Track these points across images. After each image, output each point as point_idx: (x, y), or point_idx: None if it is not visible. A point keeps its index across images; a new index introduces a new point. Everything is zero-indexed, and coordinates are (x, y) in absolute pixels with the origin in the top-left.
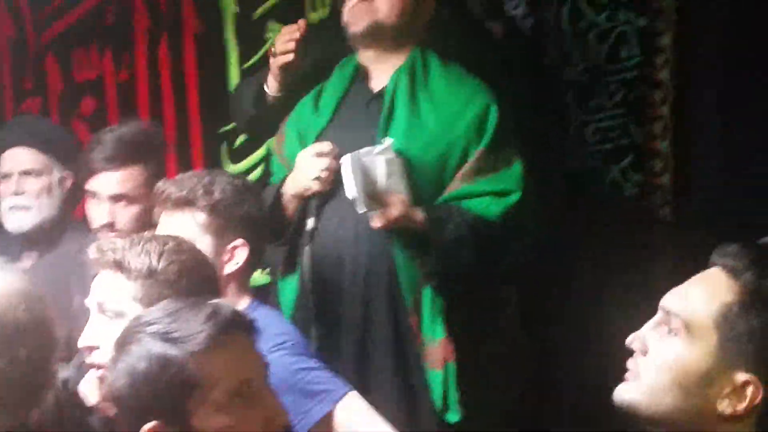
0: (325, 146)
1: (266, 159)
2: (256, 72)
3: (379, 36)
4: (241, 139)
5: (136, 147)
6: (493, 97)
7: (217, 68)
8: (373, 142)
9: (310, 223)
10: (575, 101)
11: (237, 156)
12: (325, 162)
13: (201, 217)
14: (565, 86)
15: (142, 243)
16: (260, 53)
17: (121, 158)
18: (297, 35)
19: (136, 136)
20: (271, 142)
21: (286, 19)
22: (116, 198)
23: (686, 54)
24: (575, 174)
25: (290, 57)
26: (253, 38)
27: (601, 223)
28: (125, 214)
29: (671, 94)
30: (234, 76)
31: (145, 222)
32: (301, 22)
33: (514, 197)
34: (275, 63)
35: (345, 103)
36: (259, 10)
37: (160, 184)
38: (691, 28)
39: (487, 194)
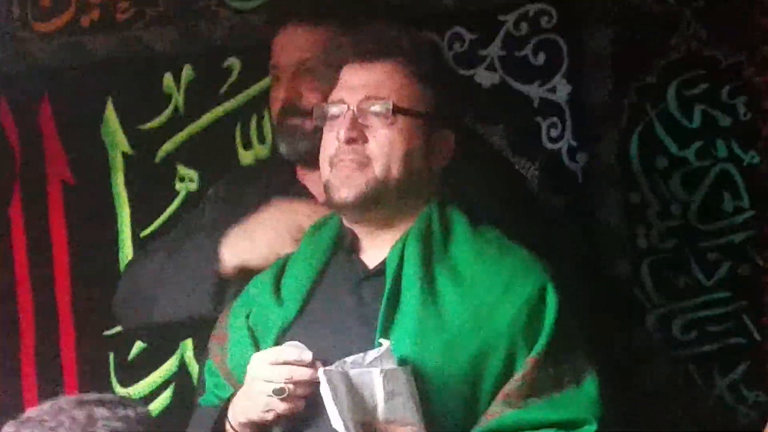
0: (290, 350)
1: (180, 375)
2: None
3: (380, 200)
4: (138, 346)
5: None
6: (550, 276)
7: (101, 235)
8: (366, 345)
9: None
10: (652, 280)
11: (131, 372)
12: (292, 372)
13: None
14: (638, 256)
15: None
16: (166, 213)
17: None
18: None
19: None
20: (187, 347)
21: (200, 162)
22: None
23: None
24: (658, 392)
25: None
26: (155, 191)
27: None
28: None
29: None
30: (126, 248)
31: None
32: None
33: (588, 431)
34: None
35: (322, 285)
36: (164, 150)
37: None
38: None
39: (546, 426)
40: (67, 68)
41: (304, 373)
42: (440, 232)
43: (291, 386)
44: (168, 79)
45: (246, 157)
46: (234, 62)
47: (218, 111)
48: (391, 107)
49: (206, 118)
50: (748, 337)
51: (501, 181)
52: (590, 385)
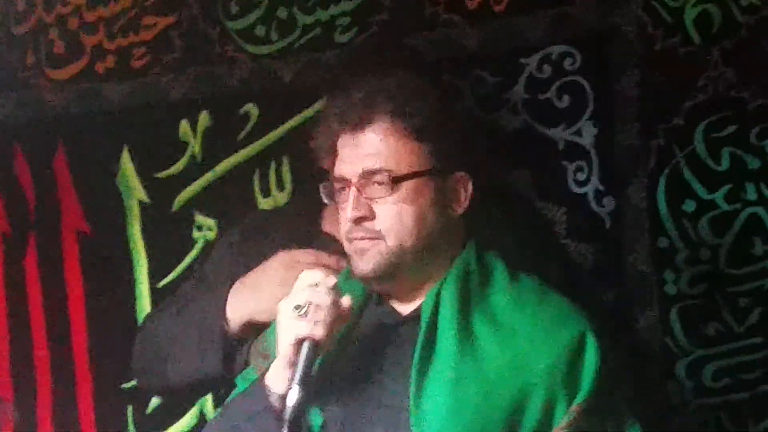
0: (314, 273)
1: (200, 428)
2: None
3: (399, 270)
4: (155, 401)
5: None
6: (590, 324)
7: (117, 286)
8: (402, 390)
9: (293, 396)
10: (682, 327)
11: (149, 425)
12: (313, 294)
13: None
14: (667, 303)
15: None
16: (184, 263)
17: None
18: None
19: None
20: (206, 400)
21: (218, 211)
22: None
23: None
24: None
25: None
26: (170, 240)
27: None
28: None
29: None
30: (143, 299)
31: None
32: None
33: None
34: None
35: (357, 328)
36: (181, 198)
37: None
38: None
39: None
40: (81, 116)
41: (325, 297)
42: (478, 277)
43: (311, 306)
44: (185, 126)
45: (265, 204)
46: (251, 108)
47: (236, 158)
48: (390, 178)
49: (224, 166)
50: None
51: (527, 227)
52: None
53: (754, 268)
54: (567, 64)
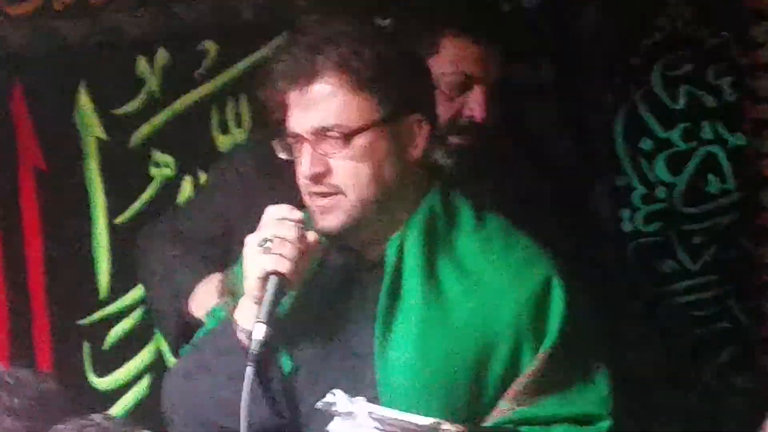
0: (279, 208)
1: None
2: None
3: (364, 222)
4: (114, 335)
5: None
6: (557, 268)
7: (75, 223)
8: (367, 338)
9: (258, 331)
10: (639, 264)
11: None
12: (278, 227)
13: None
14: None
15: None
16: (142, 201)
17: None
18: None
19: None
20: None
21: (177, 149)
22: None
23: None
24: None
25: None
26: (128, 177)
27: None
28: None
29: None
30: (100, 235)
31: None
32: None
33: (603, 426)
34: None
35: (320, 278)
36: (139, 135)
37: None
38: None
39: (559, 421)
40: (39, 53)
41: (290, 230)
42: (444, 222)
43: (276, 239)
44: (142, 62)
45: (223, 142)
46: (210, 45)
47: (194, 95)
48: (342, 134)
49: (182, 103)
50: (735, 320)
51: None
52: (602, 379)
53: (710, 206)
54: (526, 1)
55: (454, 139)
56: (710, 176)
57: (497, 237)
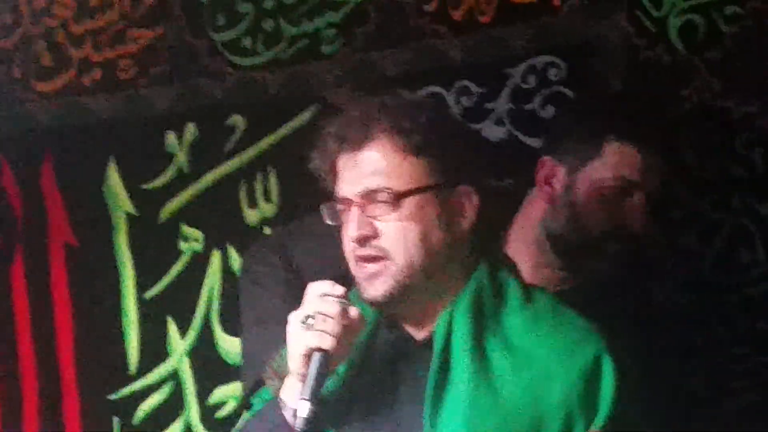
0: (321, 285)
1: None
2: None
3: (410, 291)
4: (146, 407)
5: None
6: (605, 345)
7: (104, 297)
8: (416, 421)
9: (303, 408)
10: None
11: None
12: (320, 304)
13: None
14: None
15: None
16: (171, 275)
17: None
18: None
19: None
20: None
21: (205, 223)
22: None
23: None
24: None
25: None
26: (157, 251)
27: None
28: None
29: None
30: (129, 310)
31: None
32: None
33: None
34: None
35: (367, 357)
36: (168, 210)
37: None
38: None
39: None
40: (68, 128)
41: (332, 306)
42: (492, 298)
43: (318, 316)
44: (171, 137)
45: (251, 216)
46: (238, 119)
47: (222, 170)
48: (392, 196)
49: (210, 177)
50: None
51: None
52: None
53: (741, 278)
54: (552, 74)
55: (611, 246)
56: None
57: (545, 314)
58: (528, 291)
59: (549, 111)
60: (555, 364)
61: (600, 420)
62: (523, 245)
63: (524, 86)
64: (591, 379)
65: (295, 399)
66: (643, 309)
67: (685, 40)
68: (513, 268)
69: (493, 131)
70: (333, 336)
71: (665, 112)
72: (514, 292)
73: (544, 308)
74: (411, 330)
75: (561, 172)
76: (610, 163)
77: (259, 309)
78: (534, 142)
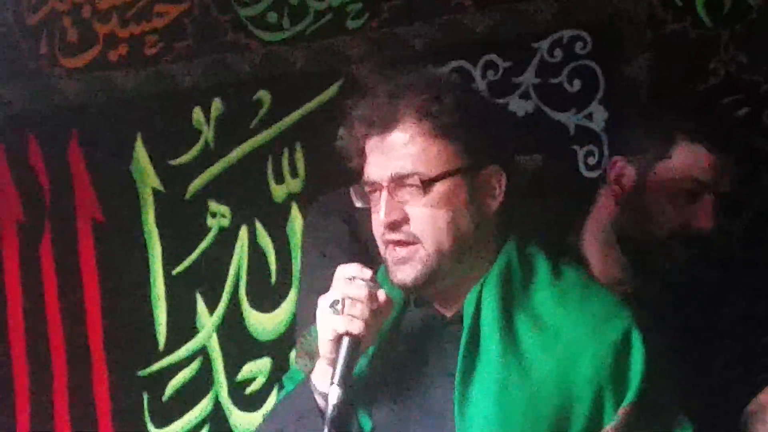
0: (350, 267)
1: (215, 415)
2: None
3: (439, 275)
4: (172, 386)
5: None
6: (636, 320)
7: (132, 273)
8: (447, 396)
9: (333, 394)
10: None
11: (165, 412)
12: (348, 288)
13: None
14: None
15: None
16: (198, 250)
17: None
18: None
19: None
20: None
21: (233, 199)
22: None
23: None
24: None
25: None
26: (184, 227)
27: None
28: None
29: None
30: (157, 286)
31: None
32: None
33: None
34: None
35: (397, 335)
36: (195, 186)
37: None
38: None
39: None
40: (95, 104)
41: (360, 289)
42: (520, 275)
43: (347, 300)
44: (197, 113)
45: (278, 191)
46: (264, 95)
47: (249, 145)
48: (420, 181)
49: (237, 153)
50: None
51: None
52: None
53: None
54: (578, 48)
55: (680, 247)
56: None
57: (574, 289)
58: (557, 266)
59: (576, 85)
60: (584, 340)
61: (631, 395)
62: (594, 244)
63: (551, 60)
64: (621, 354)
65: (325, 383)
66: (712, 315)
67: (711, 14)
68: (542, 244)
69: (519, 105)
70: (362, 320)
71: (737, 114)
72: (542, 267)
73: (574, 283)
74: (440, 308)
75: (631, 171)
76: (681, 163)
77: (318, 278)
78: (561, 117)
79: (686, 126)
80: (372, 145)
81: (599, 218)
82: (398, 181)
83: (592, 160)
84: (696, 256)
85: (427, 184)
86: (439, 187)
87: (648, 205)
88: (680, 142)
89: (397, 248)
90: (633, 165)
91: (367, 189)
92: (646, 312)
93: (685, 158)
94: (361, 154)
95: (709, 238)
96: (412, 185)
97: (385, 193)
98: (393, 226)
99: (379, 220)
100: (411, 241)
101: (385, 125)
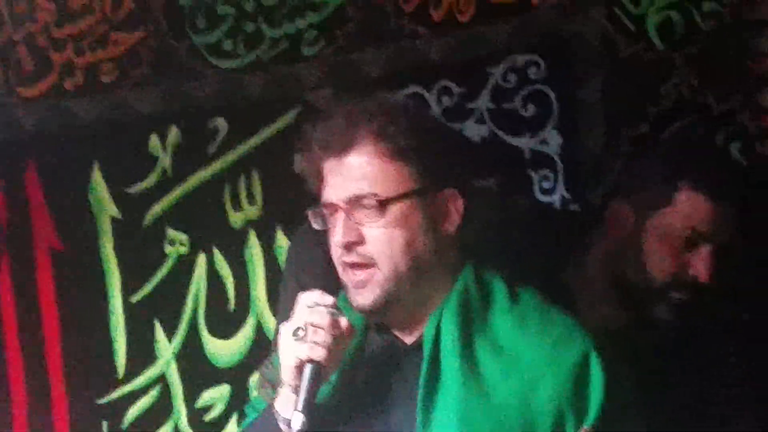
0: (311, 295)
1: None
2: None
3: (397, 298)
4: (134, 411)
5: None
6: (592, 343)
7: (91, 301)
8: (409, 423)
9: (296, 421)
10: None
11: None
12: (310, 315)
13: None
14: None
15: None
16: (157, 278)
17: None
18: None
19: None
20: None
21: (190, 226)
22: None
23: None
24: None
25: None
26: (142, 255)
27: None
28: None
29: None
30: (116, 313)
31: None
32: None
33: None
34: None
35: (358, 363)
36: (152, 213)
37: None
38: None
39: None
40: (52, 133)
41: (322, 316)
42: (478, 300)
43: (309, 327)
44: (154, 140)
45: (236, 218)
46: (221, 122)
47: (206, 172)
48: (378, 202)
49: (194, 180)
50: None
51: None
52: None
53: None
54: (532, 72)
55: (675, 294)
56: None
57: (532, 313)
58: (514, 290)
59: (530, 110)
60: (543, 363)
61: (591, 418)
62: (587, 281)
63: (505, 85)
64: (580, 377)
65: (289, 410)
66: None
67: (664, 37)
68: (496, 269)
69: (474, 130)
70: (324, 347)
71: (742, 164)
72: (500, 292)
73: (532, 307)
74: (401, 334)
75: (631, 215)
76: (682, 212)
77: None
78: (516, 142)
79: (690, 174)
80: (329, 167)
81: (595, 257)
82: (355, 202)
83: (547, 185)
84: (689, 304)
85: (383, 205)
86: (395, 209)
87: (645, 250)
88: (683, 191)
89: (356, 271)
90: (634, 209)
91: (325, 211)
92: (633, 352)
93: (687, 207)
94: (319, 176)
95: (704, 287)
96: (368, 206)
97: (342, 214)
98: (349, 246)
99: (335, 241)
100: (367, 263)
101: (343, 147)
